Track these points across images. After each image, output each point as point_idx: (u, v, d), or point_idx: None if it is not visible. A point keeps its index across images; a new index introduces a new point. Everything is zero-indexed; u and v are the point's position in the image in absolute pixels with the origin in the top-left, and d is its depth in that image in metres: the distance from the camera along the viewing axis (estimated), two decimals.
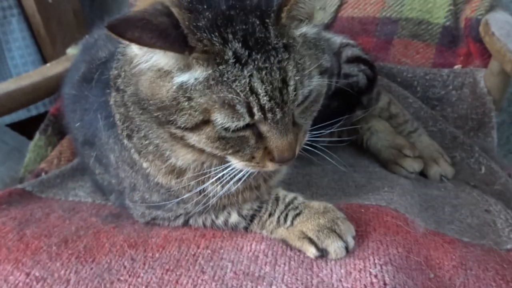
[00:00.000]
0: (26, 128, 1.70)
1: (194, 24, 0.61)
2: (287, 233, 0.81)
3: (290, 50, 0.64)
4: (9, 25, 1.78)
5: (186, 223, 0.90)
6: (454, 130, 1.32)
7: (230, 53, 0.61)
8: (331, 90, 1.18)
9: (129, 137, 0.81)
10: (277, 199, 0.85)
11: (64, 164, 1.33)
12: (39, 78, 1.35)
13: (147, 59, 0.64)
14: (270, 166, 0.70)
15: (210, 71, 0.61)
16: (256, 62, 0.61)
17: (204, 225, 0.88)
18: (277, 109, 0.64)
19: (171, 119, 0.65)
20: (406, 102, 1.40)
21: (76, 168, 1.25)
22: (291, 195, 0.86)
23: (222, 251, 0.81)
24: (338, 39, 1.35)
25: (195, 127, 0.65)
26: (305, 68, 0.65)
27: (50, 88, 1.36)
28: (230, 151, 0.68)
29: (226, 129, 0.65)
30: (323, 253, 0.77)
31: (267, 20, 0.63)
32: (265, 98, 0.62)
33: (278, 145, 0.67)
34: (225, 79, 0.61)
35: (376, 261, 0.75)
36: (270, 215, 0.84)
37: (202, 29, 0.61)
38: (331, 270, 0.75)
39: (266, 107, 0.63)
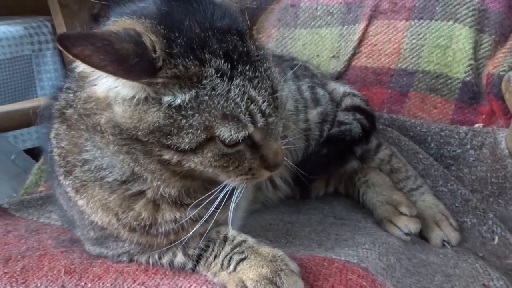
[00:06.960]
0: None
1: (168, 51, 0.60)
2: (228, 279, 0.72)
3: (269, 60, 0.69)
4: (43, 57, 1.91)
5: (131, 261, 0.83)
6: (466, 193, 1.17)
7: (211, 71, 0.62)
8: (322, 138, 1.12)
9: (67, 173, 0.76)
10: (225, 239, 0.77)
11: None
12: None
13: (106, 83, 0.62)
14: (265, 174, 0.72)
15: (193, 92, 0.62)
16: (246, 73, 0.64)
17: (148, 263, 0.81)
18: (273, 114, 0.67)
19: (169, 142, 0.63)
20: (416, 158, 1.28)
21: None
22: (240, 237, 0.77)
23: None
24: (342, 89, 1.30)
25: (199, 147, 0.64)
26: (278, 75, 0.71)
27: None
28: (231, 167, 0.68)
29: (227, 144, 0.65)
30: None
31: (245, 37, 0.67)
32: (264, 103, 0.65)
33: (274, 148, 0.69)
34: (218, 92, 0.62)
35: None
36: (215, 256, 0.76)
37: (176, 56, 0.61)
38: None
39: (267, 112, 0.65)
